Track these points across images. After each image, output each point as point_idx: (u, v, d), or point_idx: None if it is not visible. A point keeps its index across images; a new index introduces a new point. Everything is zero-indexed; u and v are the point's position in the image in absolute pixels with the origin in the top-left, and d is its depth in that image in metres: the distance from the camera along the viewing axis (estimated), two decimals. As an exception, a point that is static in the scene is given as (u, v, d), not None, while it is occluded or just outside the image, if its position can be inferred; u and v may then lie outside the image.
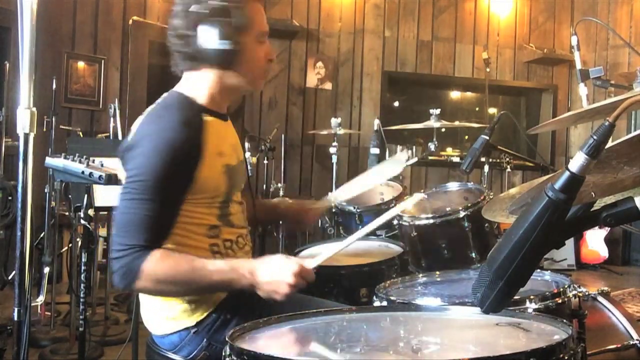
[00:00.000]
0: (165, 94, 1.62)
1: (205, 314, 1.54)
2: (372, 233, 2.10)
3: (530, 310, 1.30)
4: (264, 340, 1.14)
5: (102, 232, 3.99)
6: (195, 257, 1.45)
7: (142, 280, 1.39)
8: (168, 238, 1.46)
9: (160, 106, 1.56)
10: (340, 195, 2.22)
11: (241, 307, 1.56)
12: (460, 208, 2.42)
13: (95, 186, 2.55)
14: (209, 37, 1.52)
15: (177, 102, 1.55)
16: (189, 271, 1.43)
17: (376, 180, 2.26)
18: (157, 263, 1.39)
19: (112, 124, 3.81)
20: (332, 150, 4.24)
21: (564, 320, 1.09)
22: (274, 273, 1.44)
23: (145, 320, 1.65)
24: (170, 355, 1.63)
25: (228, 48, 1.52)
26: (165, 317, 1.57)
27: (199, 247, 1.52)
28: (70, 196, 2.94)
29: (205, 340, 1.53)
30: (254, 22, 1.58)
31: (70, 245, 3.47)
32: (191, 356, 1.55)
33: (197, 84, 1.60)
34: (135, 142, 1.46)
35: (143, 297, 1.63)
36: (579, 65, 2.17)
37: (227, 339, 1.05)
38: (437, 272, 1.82)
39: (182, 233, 1.49)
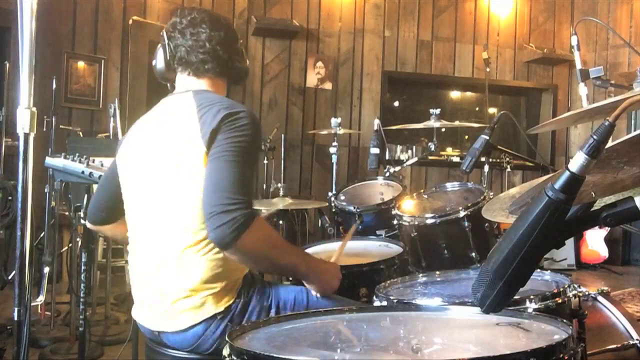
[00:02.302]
0: (197, 90, 1.69)
1: (232, 300, 1.59)
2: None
3: (530, 310, 1.30)
4: (264, 340, 1.14)
5: (102, 232, 3.99)
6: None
7: (252, 233, 1.45)
8: None
9: (217, 97, 1.66)
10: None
11: (256, 292, 1.64)
12: (460, 208, 2.42)
13: (95, 186, 2.55)
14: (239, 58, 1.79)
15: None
16: (283, 242, 1.62)
17: None
18: (265, 225, 1.53)
19: (112, 124, 3.81)
20: (332, 150, 4.24)
21: (564, 320, 1.09)
22: (327, 270, 1.70)
23: (163, 320, 1.62)
24: (175, 353, 1.65)
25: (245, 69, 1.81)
26: (191, 306, 1.57)
27: None
28: (70, 196, 2.94)
29: (229, 324, 1.58)
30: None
31: (70, 245, 3.47)
32: (215, 345, 1.58)
33: (219, 91, 1.77)
34: (222, 122, 1.53)
35: (164, 296, 1.60)
36: (579, 65, 2.17)
37: (227, 339, 1.05)
38: (437, 272, 1.83)
39: None
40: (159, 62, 1.76)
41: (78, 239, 3.19)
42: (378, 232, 2.88)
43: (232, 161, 1.49)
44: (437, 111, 3.77)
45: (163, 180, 1.62)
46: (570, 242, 5.80)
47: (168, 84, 1.83)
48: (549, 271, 1.64)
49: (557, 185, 0.77)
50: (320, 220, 3.89)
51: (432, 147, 3.73)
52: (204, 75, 1.73)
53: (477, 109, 7.36)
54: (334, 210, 3.20)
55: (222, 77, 1.77)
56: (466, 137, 7.26)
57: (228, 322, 1.58)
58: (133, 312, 1.75)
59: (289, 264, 1.63)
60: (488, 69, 6.03)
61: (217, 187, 1.47)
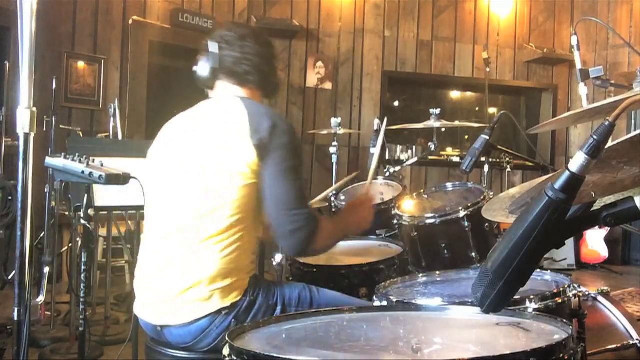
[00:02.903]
0: (243, 98, 1.81)
1: (239, 297, 1.64)
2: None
3: (530, 310, 1.30)
4: (264, 340, 1.15)
5: (102, 232, 3.99)
6: (328, 217, 1.82)
7: (319, 237, 1.69)
8: None
9: (264, 107, 1.78)
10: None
11: (262, 291, 1.68)
12: (460, 208, 2.42)
13: (95, 186, 2.55)
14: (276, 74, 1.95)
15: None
16: (334, 227, 1.85)
17: None
18: (324, 222, 1.73)
19: (112, 124, 3.81)
20: (332, 150, 4.24)
21: (564, 320, 1.09)
22: (360, 220, 1.99)
23: (168, 312, 1.65)
24: (174, 353, 1.66)
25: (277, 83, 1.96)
26: (198, 299, 1.61)
27: (259, 221, 1.76)
28: (70, 196, 2.94)
29: (233, 321, 1.62)
30: None
31: (70, 245, 3.47)
32: (217, 341, 1.62)
33: (257, 100, 1.88)
34: (272, 135, 1.66)
35: (173, 285, 1.64)
36: (579, 65, 2.17)
37: (227, 339, 1.05)
38: (437, 272, 1.83)
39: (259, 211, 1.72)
40: (203, 69, 1.86)
41: (78, 239, 3.19)
42: (378, 232, 2.88)
43: (291, 179, 1.67)
44: (437, 111, 3.77)
45: (200, 172, 1.68)
46: (570, 242, 5.80)
47: (207, 90, 1.93)
48: (549, 271, 1.63)
49: (557, 185, 0.77)
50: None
51: (432, 147, 3.73)
52: (245, 85, 1.85)
53: (477, 109, 7.36)
54: (334, 210, 3.20)
55: (260, 90, 1.89)
56: (466, 137, 7.26)
57: (233, 318, 1.62)
58: (135, 309, 1.78)
59: (339, 240, 1.92)
60: (488, 69, 6.03)
61: (285, 207, 1.65)
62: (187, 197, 1.68)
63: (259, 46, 1.84)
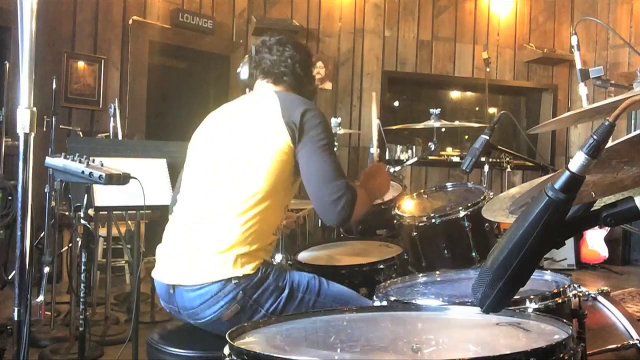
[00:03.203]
0: (282, 90, 1.98)
1: (253, 271, 1.72)
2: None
3: (530, 310, 1.30)
4: (264, 340, 1.15)
5: (102, 231, 3.99)
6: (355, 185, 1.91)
7: (359, 204, 1.80)
8: None
9: (296, 95, 1.95)
10: None
11: (274, 272, 1.76)
12: (460, 208, 2.42)
13: (95, 186, 2.54)
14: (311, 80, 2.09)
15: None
16: (365, 196, 1.93)
17: None
18: (360, 191, 1.85)
19: (112, 124, 3.81)
20: (332, 150, 4.24)
21: (564, 320, 1.09)
22: (379, 185, 2.10)
23: (183, 272, 1.75)
24: (175, 351, 1.69)
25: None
26: (214, 265, 1.71)
27: (283, 204, 1.89)
28: (70, 196, 2.94)
29: (241, 292, 1.69)
30: None
31: (70, 245, 3.47)
32: (221, 310, 1.69)
33: None
34: (304, 117, 1.80)
35: (193, 247, 1.76)
36: (579, 65, 2.17)
37: (227, 338, 1.05)
38: (437, 272, 1.82)
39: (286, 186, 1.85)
40: (244, 72, 2.06)
41: (78, 239, 3.19)
42: (378, 232, 2.88)
43: (327, 154, 1.79)
44: (437, 111, 3.77)
45: (237, 148, 1.82)
46: (570, 242, 5.80)
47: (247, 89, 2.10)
48: (549, 271, 1.63)
49: (557, 185, 0.77)
50: (320, 220, 3.89)
51: (432, 147, 3.73)
52: (281, 84, 2.00)
53: (477, 109, 7.36)
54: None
55: (294, 91, 2.01)
56: (466, 137, 7.26)
57: (241, 290, 1.69)
58: (153, 272, 1.88)
59: (369, 207, 2.00)
60: (488, 69, 6.03)
61: (325, 180, 1.77)
62: (222, 171, 1.81)
63: (297, 52, 2.00)
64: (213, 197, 1.80)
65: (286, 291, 1.74)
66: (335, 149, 1.89)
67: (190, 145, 2.01)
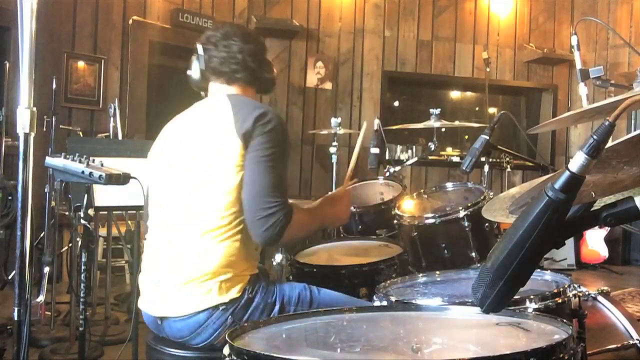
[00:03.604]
0: (231, 94, 1.83)
1: (237, 294, 1.65)
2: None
3: (530, 310, 1.30)
4: (264, 340, 1.14)
5: (102, 231, 3.99)
6: (303, 208, 1.82)
7: (291, 228, 1.66)
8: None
9: (251, 100, 1.82)
10: None
11: (261, 289, 1.70)
12: (460, 208, 2.42)
13: (95, 186, 2.54)
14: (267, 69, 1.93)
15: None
16: (309, 219, 1.84)
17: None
18: (298, 214, 1.71)
19: (112, 124, 3.81)
20: (332, 150, 4.24)
21: (564, 320, 1.09)
22: (338, 212, 1.98)
23: (168, 303, 1.68)
24: (174, 351, 1.68)
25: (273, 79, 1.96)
26: (199, 294, 1.63)
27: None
28: (70, 196, 2.94)
29: (230, 317, 1.64)
30: None
31: (70, 245, 3.47)
32: (213, 337, 1.64)
33: (250, 96, 1.90)
34: (256, 123, 1.67)
35: (174, 278, 1.68)
36: (579, 65, 2.17)
37: (227, 339, 1.05)
38: (437, 272, 1.82)
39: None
40: (194, 72, 1.90)
41: (78, 239, 3.19)
42: (378, 232, 2.88)
43: (269, 166, 1.65)
44: (437, 111, 3.77)
45: (194, 168, 1.71)
46: (570, 242, 5.80)
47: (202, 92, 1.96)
48: (549, 271, 1.63)
49: (557, 185, 0.77)
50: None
51: (432, 147, 3.73)
52: (235, 83, 1.87)
53: (477, 109, 7.36)
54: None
55: (252, 86, 1.90)
56: (466, 137, 7.26)
57: (230, 314, 1.64)
58: (139, 303, 1.81)
59: (314, 231, 1.93)
60: (488, 69, 6.03)
61: (258, 193, 1.63)
62: (185, 192, 1.71)
63: (244, 43, 1.85)
64: (184, 227, 1.69)
65: (277, 307, 1.69)
66: (287, 158, 1.72)
67: (151, 166, 1.89)
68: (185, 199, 1.71)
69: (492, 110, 7.13)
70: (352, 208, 3.01)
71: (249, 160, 1.65)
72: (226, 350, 1.02)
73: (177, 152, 1.79)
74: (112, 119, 3.80)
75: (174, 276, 1.68)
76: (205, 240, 1.66)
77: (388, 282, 1.69)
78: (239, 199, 1.65)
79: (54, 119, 3.66)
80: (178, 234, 1.71)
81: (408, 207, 2.72)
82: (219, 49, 1.84)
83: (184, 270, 1.66)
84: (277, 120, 1.71)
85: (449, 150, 7.07)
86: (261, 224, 1.63)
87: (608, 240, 5.93)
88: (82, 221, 2.48)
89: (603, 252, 5.89)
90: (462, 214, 2.39)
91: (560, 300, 1.37)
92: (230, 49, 1.84)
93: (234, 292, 1.65)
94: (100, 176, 1.95)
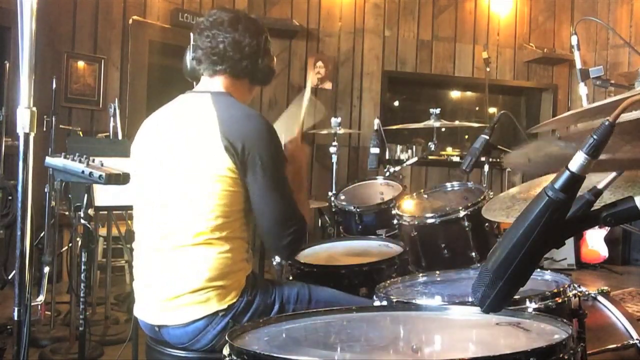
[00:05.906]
0: (215, 93, 1.72)
1: (236, 298, 1.63)
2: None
3: (530, 310, 1.30)
4: (264, 340, 1.14)
5: (102, 231, 3.99)
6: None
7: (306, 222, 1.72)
8: None
9: (241, 108, 1.69)
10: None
11: (259, 291, 1.68)
12: (460, 208, 2.42)
13: (95, 186, 2.55)
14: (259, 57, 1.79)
15: (250, 109, 1.72)
16: (301, 194, 1.78)
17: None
18: (307, 214, 1.77)
19: (112, 124, 3.81)
20: (332, 149, 4.25)
21: (564, 320, 1.09)
22: (296, 162, 1.87)
23: (165, 312, 1.65)
24: (174, 352, 1.67)
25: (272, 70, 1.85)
26: (195, 301, 1.61)
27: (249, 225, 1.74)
28: (70, 196, 2.94)
29: (230, 321, 1.61)
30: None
31: (70, 245, 3.47)
32: (213, 342, 1.62)
33: (237, 91, 1.78)
34: (247, 142, 1.59)
35: (169, 287, 1.64)
36: (579, 65, 2.17)
37: (227, 339, 1.05)
38: (437, 272, 1.82)
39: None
40: (185, 62, 1.85)
41: (78, 239, 3.19)
42: (378, 232, 2.88)
43: (277, 190, 1.64)
44: (437, 111, 3.77)
45: (181, 174, 1.65)
46: (570, 242, 5.80)
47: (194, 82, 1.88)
48: (549, 271, 1.63)
49: (557, 185, 0.77)
50: (320, 220, 3.89)
51: (432, 147, 3.73)
52: (217, 75, 1.76)
53: (477, 108, 7.36)
54: (334, 210, 3.20)
55: (240, 78, 1.78)
56: (466, 137, 7.26)
57: (230, 319, 1.62)
58: (135, 310, 1.78)
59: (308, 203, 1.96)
60: (488, 69, 6.03)
61: (277, 221, 1.65)
62: (173, 201, 1.66)
63: (229, 33, 1.71)
64: (172, 234, 1.65)
65: (276, 307, 1.68)
66: (284, 165, 1.68)
67: (134, 167, 1.82)
68: (170, 206, 1.66)
69: (492, 110, 7.13)
70: (352, 208, 3.02)
71: (258, 189, 1.61)
72: (226, 350, 1.03)
73: (162, 158, 1.71)
74: (112, 118, 3.80)
75: (168, 287, 1.64)
76: (195, 247, 1.62)
77: (388, 282, 1.69)
78: (229, 207, 1.62)
79: (54, 118, 3.66)
80: (169, 243, 1.65)
81: (408, 207, 2.72)
82: (202, 39, 1.72)
83: (177, 281, 1.63)
84: (264, 123, 1.64)
85: (449, 150, 7.06)
86: (286, 246, 1.69)
87: (608, 240, 5.93)
88: (82, 221, 2.48)
89: (603, 252, 5.89)
90: (462, 213, 2.39)
91: (560, 300, 1.37)
92: (213, 39, 1.71)
93: (232, 297, 1.63)
94: (100, 176, 1.95)
